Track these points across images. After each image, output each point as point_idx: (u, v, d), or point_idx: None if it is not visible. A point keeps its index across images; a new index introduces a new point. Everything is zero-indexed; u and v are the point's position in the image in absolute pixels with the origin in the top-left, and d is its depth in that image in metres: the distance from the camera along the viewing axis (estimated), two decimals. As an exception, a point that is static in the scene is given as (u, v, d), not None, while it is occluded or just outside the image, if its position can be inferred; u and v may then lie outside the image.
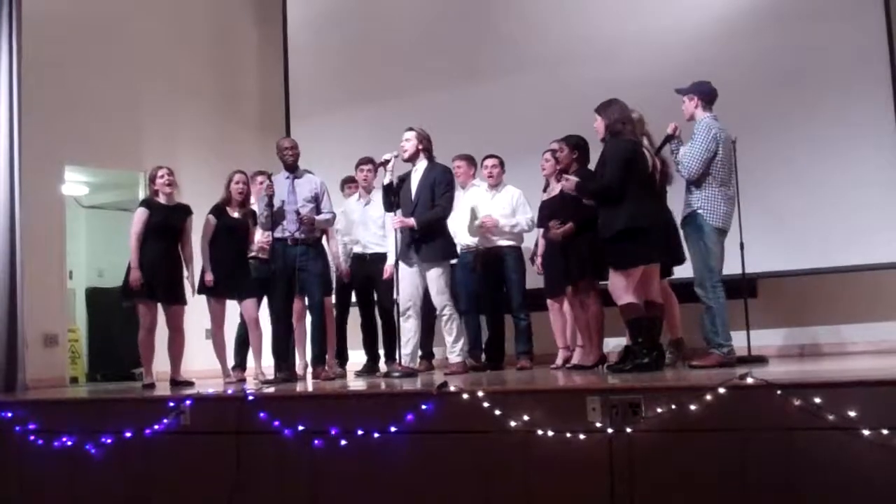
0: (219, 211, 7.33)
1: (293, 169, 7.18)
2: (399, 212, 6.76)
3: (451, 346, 6.69)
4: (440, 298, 6.65)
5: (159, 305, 7.26)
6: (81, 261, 10.82)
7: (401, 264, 6.77)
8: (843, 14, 7.46)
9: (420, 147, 6.73)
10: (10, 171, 7.43)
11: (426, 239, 6.62)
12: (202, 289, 7.27)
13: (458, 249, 7.28)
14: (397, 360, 6.74)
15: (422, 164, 6.76)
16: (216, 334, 7.39)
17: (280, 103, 10.15)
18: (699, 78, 6.23)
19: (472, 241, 7.53)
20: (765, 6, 7.73)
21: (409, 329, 6.74)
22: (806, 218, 7.47)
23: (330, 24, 10.02)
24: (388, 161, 6.77)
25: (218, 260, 7.20)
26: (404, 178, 6.84)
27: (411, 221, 6.64)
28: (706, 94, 6.15)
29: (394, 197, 6.79)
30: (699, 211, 5.92)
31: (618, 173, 5.63)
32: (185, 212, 7.39)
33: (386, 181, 6.81)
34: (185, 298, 7.33)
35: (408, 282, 6.74)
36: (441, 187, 6.66)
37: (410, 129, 6.79)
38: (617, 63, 8.11)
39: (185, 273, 7.34)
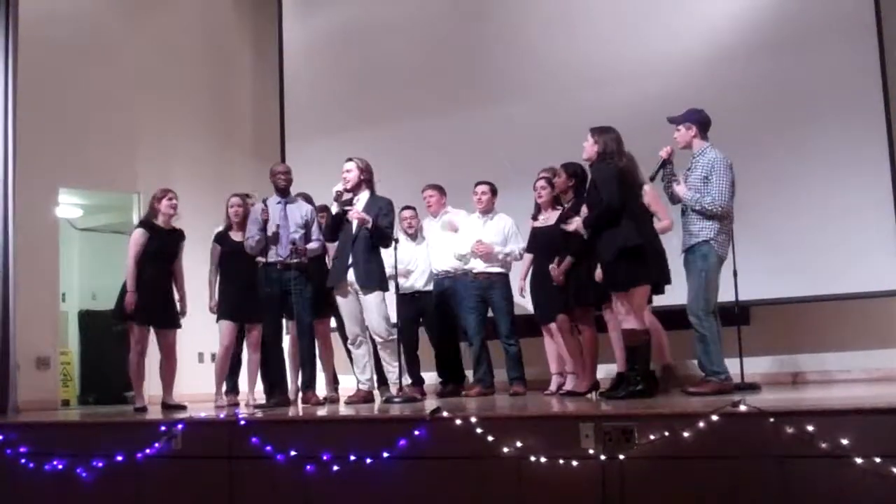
0: (221, 237, 7.37)
1: (286, 193, 7.17)
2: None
3: (398, 370, 6.55)
4: (382, 324, 6.53)
5: (151, 329, 7.25)
6: (74, 283, 10.79)
7: (337, 297, 6.69)
8: (837, 40, 7.50)
9: (361, 178, 6.70)
10: (4, 194, 7.45)
11: (365, 265, 6.53)
12: (218, 315, 7.26)
13: (436, 275, 7.63)
14: (398, 386, 6.65)
15: (364, 194, 6.71)
16: (223, 357, 7.29)
17: (275, 127, 10.16)
18: (691, 104, 6.16)
19: (450, 266, 7.58)
20: (758, 32, 7.77)
21: (362, 355, 6.74)
22: (799, 245, 7.47)
23: (325, 49, 10.07)
24: (340, 194, 6.71)
25: (227, 284, 7.24)
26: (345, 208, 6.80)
27: (368, 217, 6.51)
28: (702, 123, 6.03)
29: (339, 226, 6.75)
30: (711, 242, 5.81)
31: (616, 193, 5.60)
32: (179, 237, 7.41)
33: (334, 211, 6.74)
34: (179, 322, 7.33)
35: (348, 312, 6.67)
36: (385, 219, 6.60)
37: (350, 159, 6.75)
38: (610, 91, 8.15)
39: (177, 297, 7.34)
